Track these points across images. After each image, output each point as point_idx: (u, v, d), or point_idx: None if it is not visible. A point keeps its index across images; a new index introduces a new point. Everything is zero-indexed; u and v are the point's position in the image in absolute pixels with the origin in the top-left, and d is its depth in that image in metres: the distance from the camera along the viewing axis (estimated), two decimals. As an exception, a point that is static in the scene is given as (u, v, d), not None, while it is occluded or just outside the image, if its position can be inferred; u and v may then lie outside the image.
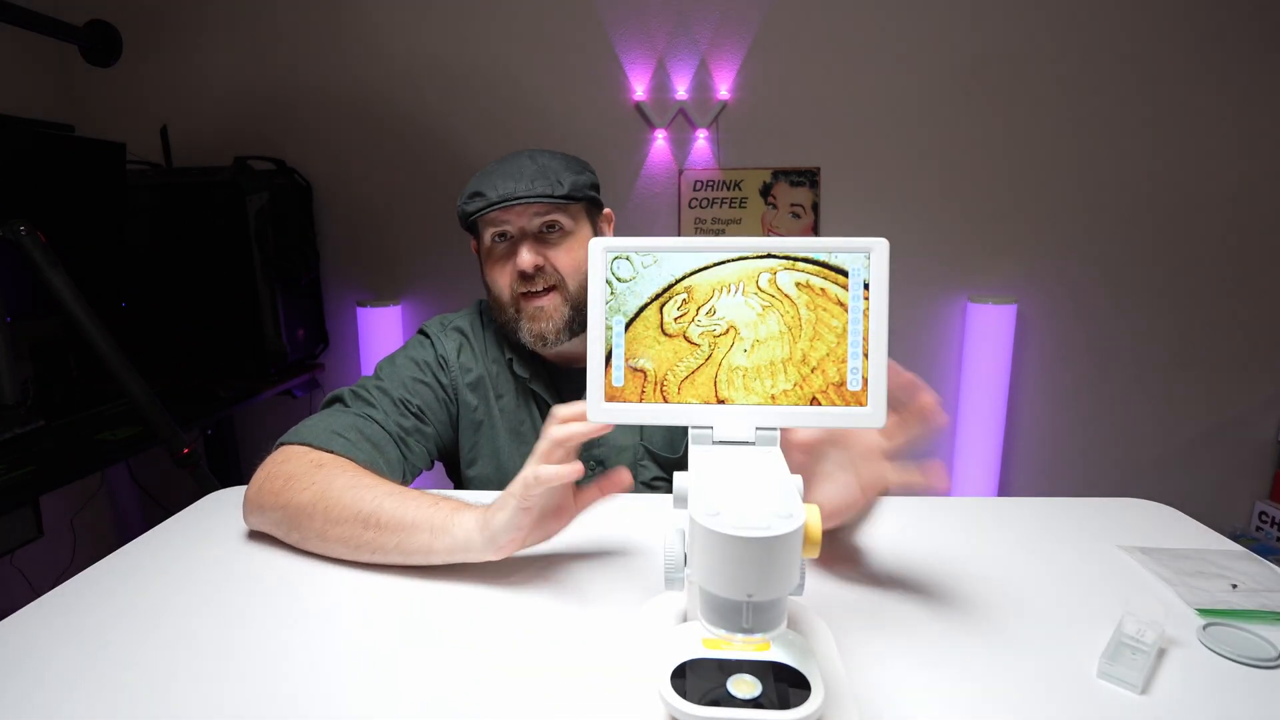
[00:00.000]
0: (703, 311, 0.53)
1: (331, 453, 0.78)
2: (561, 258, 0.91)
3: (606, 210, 1.00)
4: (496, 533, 0.63)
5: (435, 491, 0.72)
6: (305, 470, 0.74)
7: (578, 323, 0.92)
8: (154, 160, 1.99)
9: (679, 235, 2.20)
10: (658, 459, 0.98)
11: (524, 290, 0.91)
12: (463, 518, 0.65)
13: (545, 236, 0.92)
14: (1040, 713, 0.50)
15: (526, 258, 0.89)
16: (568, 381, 0.99)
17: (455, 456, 1.00)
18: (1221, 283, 2.11)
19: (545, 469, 0.59)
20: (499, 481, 0.97)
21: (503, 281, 0.93)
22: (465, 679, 0.54)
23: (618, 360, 0.54)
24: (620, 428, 0.97)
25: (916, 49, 2.05)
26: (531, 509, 0.62)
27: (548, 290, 0.91)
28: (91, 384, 1.63)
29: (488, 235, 0.93)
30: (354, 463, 0.77)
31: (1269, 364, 2.14)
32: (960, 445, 2.20)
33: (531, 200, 0.88)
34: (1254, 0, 1.95)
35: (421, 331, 1.02)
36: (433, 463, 0.96)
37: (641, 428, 0.97)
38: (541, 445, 0.61)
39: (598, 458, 0.97)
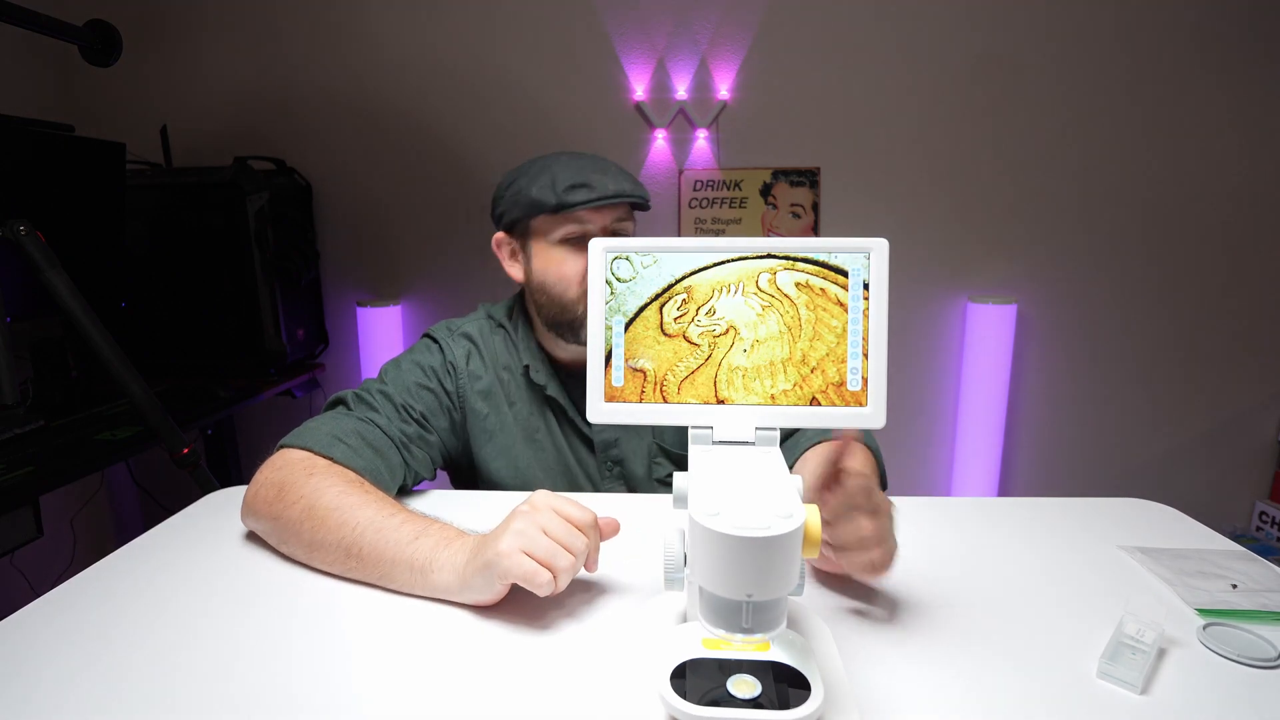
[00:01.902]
0: (703, 311, 0.53)
1: (330, 459, 0.77)
2: None
3: None
4: (474, 591, 0.61)
5: (422, 512, 0.70)
6: (297, 480, 0.73)
7: None
8: (154, 160, 1.99)
9: (679, 235, 2.20)
10: (671, 455, 0.98)
11: None
12: (441, 564, 0.63)
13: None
14: (1040, 713, 0.50)
15: None
16: (578, 385, 0.98)
17: (461, 463, 1.00)
18: (1222, 282, 2.11)
19: (516, 570, 0.58)
20: (516, 484, 0.97)
21: (575, 279, 0.91)
22: (466, 679, 0.54)
23: (618, 360, 0.54)
24: (632, 426, 0.97)
25: (916, 49, 2.05)
26: (509, 581, 0.60)
27: None
28: (91, 384, 1.62)
29: (561, 231, 0.91)
30: (349, 470, 0.76)
31: (1269, 364, 2.14)
32: (960, 445, 2.20)
33: (633, 200, 0.91)
34: (1252, 2, 1.95)
35: (429, 336, 1.00)
36: (435, 471, 0.95)
37: (653, 426, 0.97)
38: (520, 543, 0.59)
39: (615, 458, 0.97)
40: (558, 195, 0.89)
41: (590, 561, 0.62)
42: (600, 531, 0.64)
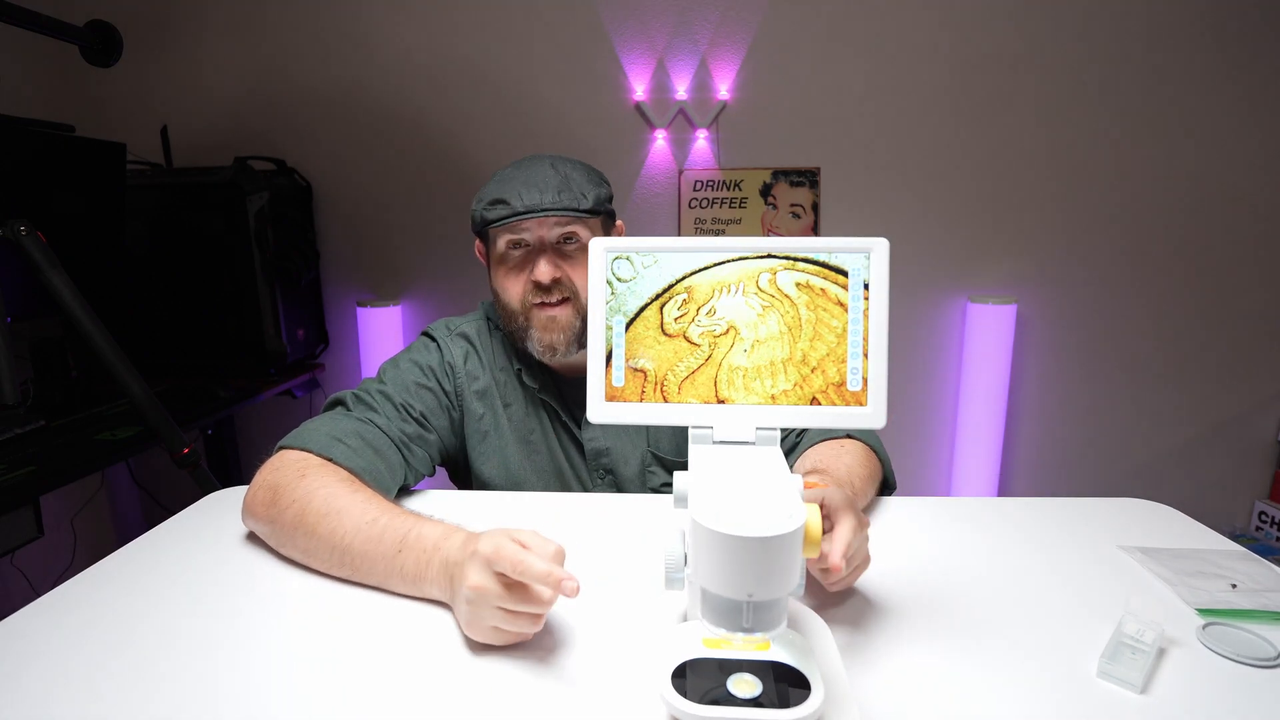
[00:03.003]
0: (703, 311, 0.53)
1: (328, 459, 0.77)
2: (578, 270, 0.91)
3: (619, 222, 1.00)
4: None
5: (413, 510, 0.70)
6: (290, 482, 0.73)
7: (586, 334, 0.91)
8: (154, 160, 1.99)
9: (679, 235, 2.20)
10: (665, 463, 0.98)
11: (537, 301, 0.91)
12: (431, 575, 0.63)
13: (562, 248, 0.91)
14: (1040, 712, 0.50)
15: (545, 269, 0.89)
16: (574, 391, 0.98)
17: (459, 461, 1.00)
18: (1221, 282, 2.11)
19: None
20: (507, 485, 0.97)
21: (514, 290, 0.92)
22: (466, 679, 0.54)
23: (618, 360, 0.54)
24: (627, 433, 0.97)
25: (917, 49, 2.05)
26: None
27: (561, 302, 0.91)
28: (91, 384, 1.62)
29: (502, 242, 0.91)
30: (344, 470, 0.76)
31: (1269, 364, 2.14)
32: (960, 445, 2.20)
33: (555, 213, 0.88)
34: (1262, 3, 1.95)
35: (427, 334, 1.00)
36: (435, 468, 0.95)
37: (648, 433, 0.97)
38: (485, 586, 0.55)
39: (606, 466, 0.97)
40: (481, 212, 0.91)
41: (566, 590, 0.53)
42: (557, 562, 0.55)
